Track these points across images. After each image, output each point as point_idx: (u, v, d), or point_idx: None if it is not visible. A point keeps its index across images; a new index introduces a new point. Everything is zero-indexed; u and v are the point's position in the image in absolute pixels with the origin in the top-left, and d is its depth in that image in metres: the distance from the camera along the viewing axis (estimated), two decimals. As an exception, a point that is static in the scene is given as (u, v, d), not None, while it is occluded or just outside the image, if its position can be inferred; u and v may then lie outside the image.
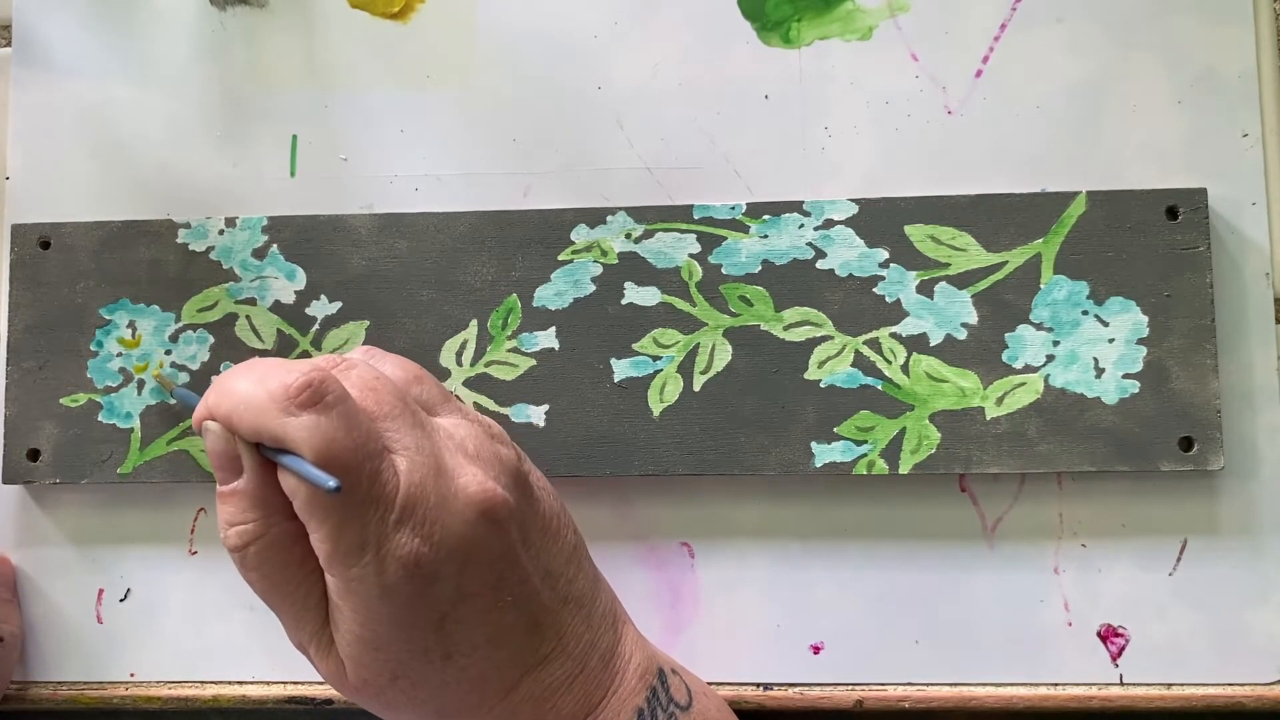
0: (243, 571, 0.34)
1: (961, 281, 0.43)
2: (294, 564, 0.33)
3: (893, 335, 0.43)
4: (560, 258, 0.45)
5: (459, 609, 0.33)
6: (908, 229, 0.44)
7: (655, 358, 0.44)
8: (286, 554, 0.33)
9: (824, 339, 0.44)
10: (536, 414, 0.44)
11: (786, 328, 0.44)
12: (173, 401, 0.45)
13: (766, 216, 0.44)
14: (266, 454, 0.33)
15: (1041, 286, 0.43)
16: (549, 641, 0.35)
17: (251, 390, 0.32)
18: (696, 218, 0.44)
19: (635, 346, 0.44)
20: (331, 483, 0.31)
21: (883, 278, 0.44)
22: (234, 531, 0.33)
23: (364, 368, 0.35)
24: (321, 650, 0.34)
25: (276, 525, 0.33)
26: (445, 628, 0.33)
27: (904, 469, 0.43)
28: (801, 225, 0.44)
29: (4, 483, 0.46)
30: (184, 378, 0.45)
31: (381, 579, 0.32)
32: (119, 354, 0.46)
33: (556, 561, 0.35)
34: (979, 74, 0.45)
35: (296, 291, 0.45)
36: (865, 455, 0.43)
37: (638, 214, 0.45)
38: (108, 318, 0.46)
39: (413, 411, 0.34)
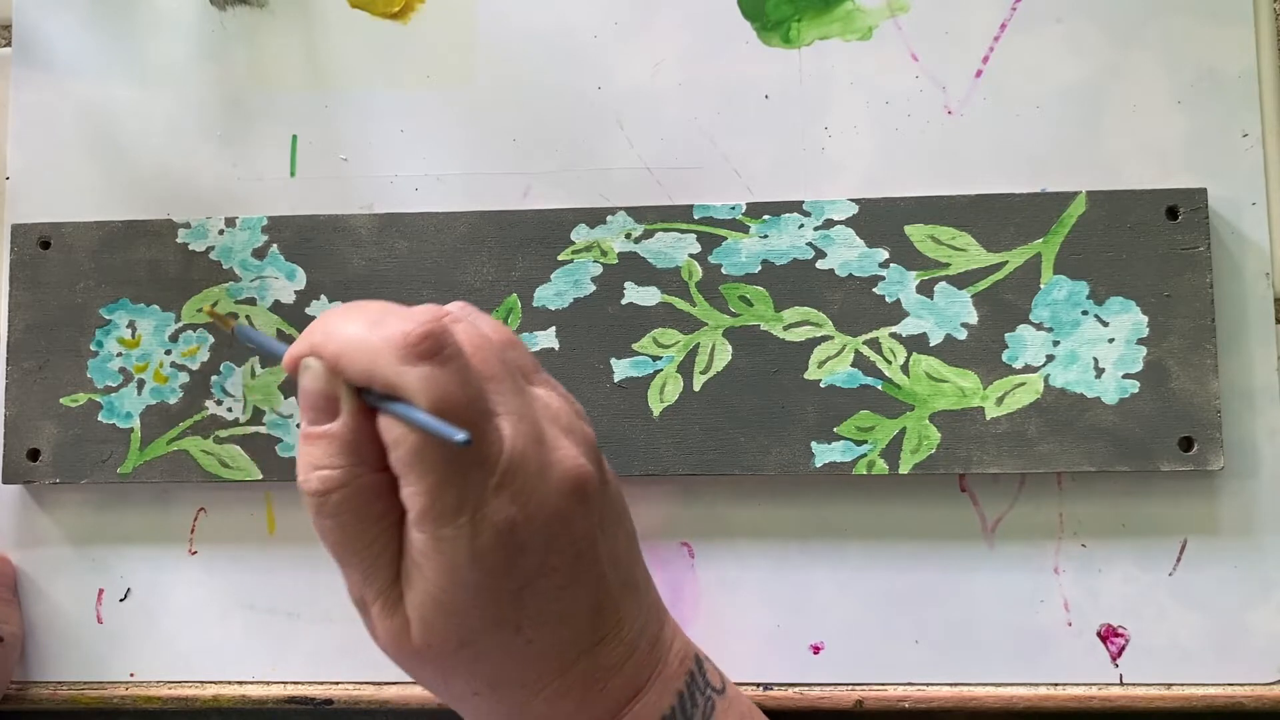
0: (318, 519, 0.32)
1: (961, 281, 0.43)
2: (373, 517, 0.32)
3: (893, 335, 0.43)
4: (560, 258, 0.45)
5: (537, 583, 0.32)
6: (908, 229, 0.44)
7: (655, 358, 0.44)
8: (368, 506, 0.32)
9: (824, 339, 0.44)
10: (536, 414, 0.44)
11: (786, 328, 0.44)
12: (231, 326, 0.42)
13: (766, 216, 0.44)
14: (370, 401, 0.31)
15: (1041, 286, 0.43)
16: (608, 623, 0.35)
17: (365, 334, 0.31)
18: (696, 218, 0.44)
19: (635, 346, 0.44)
20: (460, 435, 0.29)
21: (883, 278, 0.44)
22: (318, 476, 0.32)
23: (468, 325, 0.34)
24: (387, 608, 0.33)
25: (364, 475, 0.32)
26: (522, 600, 0.32)
27: (904, 469, 0.43)
28: (801, 225, 0.44)
29: (4, 483, 0.46)
30: (183, 378, 0.45)
31: (474, 543, 0.31)
32: (119, 354, 0.46)
33: (620, 546, 0.35)
34: (979, 74, 0.45)
35: (296, 291, 0.45)
36: (865, 455, 0.43)
37: (638, 214, 0.45)
38: (108, 318, 0.46)
39: (513, 376, 0.33)
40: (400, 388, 0.31)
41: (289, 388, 0.45)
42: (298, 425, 0.45)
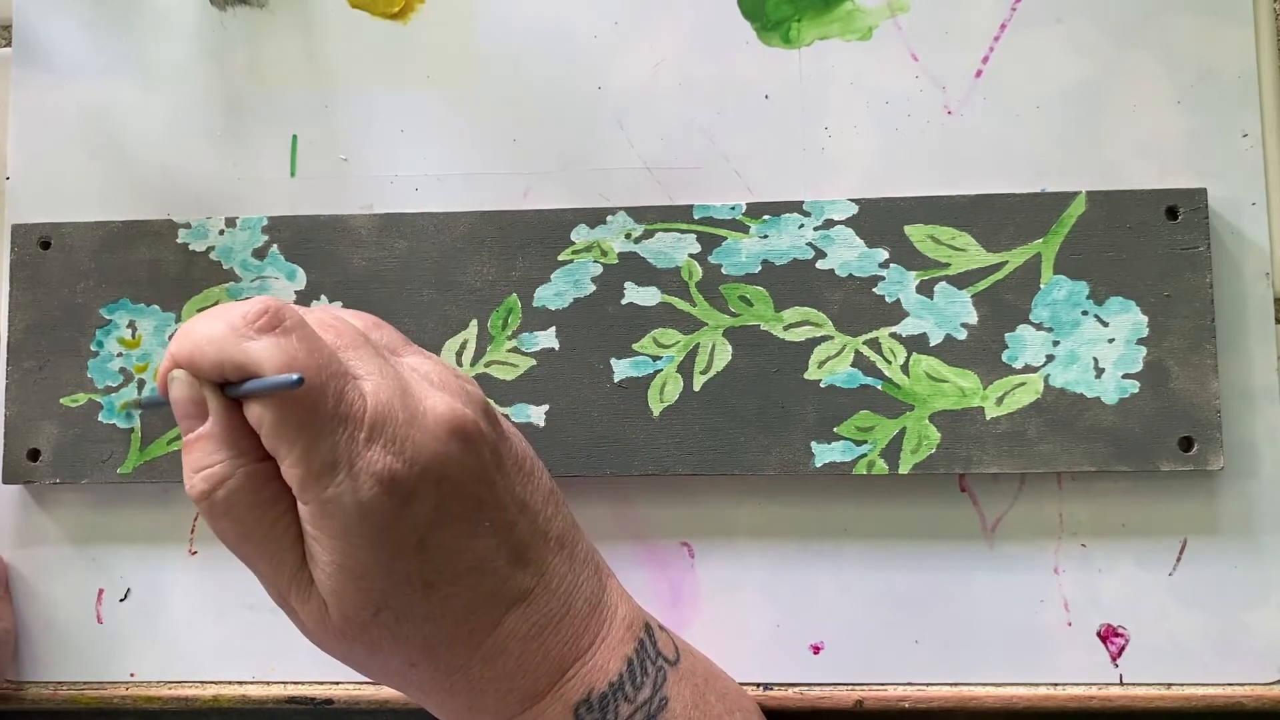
0: (212, 521, 0.33)
1: (961, 281, 0.43)
2: (265, 504, 0.33)
3: (893, 335, 0.43)
4: (560, 258, 0.45)
5: (438, 533, 0.33)
6: (908, 229, 0.44)
7: (655, 358, 0.44)
8: (256, 494, 0.33)
9: (824, 339, 0.44)
10: (536, 414, 0.44)
11: (786, 328, 0.44)
12: (137, 412, 0.45)
13: (766, 216, 0.44)
14: (231, 394, 0.33)
15: (1041, 286, 0.43)
16: (531, 575, 0.35)
17: (210, 325, 0.33)
18: (696, 218, 0.44)
19: (635, 346, 0.44)
20: (294, 376, 0.30)
21: (883, 278, 0.44)
22: (200, 476, 0.33)
23: (322, 310, 0.35)
24: (302, 592, 0.33)
25: (245, 465, 0.33)
26: (426, 553, 0.33)
27: (904, 469, 0.43)
28: (801, 225, 0.44)
29: (4, 483, 0.46)
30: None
31: (357, 497, 0.31)
32: (119, 354, 0.46)
33: (534, 498, 0.35)
34: (979, 74, 0.45)
35: (297, 291, 0.45)
36: (865, 455, 0.43)
37: (638, 214, 0.45)
38: (108, 318, 0.46)
39: (374, 346, 0.34)
40: (249, 363, 0.32)
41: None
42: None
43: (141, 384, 0.46)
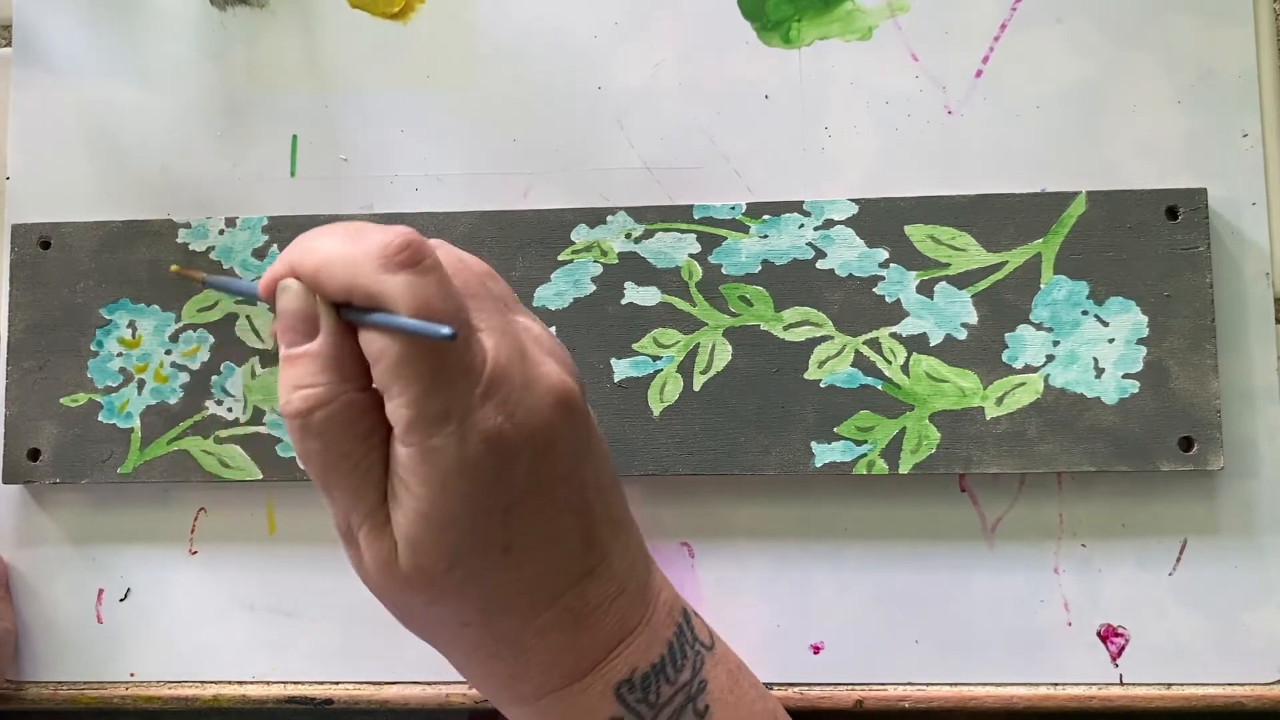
0: (302, 441, 0.32)
1: (961, 281, 0.43)
2: (358, 436, 0.32)
3: (893, 335, 0.43)
4: (560, 258, 0.45)
5: (526, 500, 0.32)
6: (908, 229, 0.44)
7: (655, 358, 0.44)
8: (352, 425, 0.32)
9: (824, 339, 0.44)
10: (536, 414, 0.44)
11: (786, 328, 0.44)
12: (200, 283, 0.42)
13: (766, 216, 0.44)
14: (350, 316, 0.31)
15: (1041, 286, 0.43)
16: (595, 554, 0.35)
17: (344, 247, 0.31)
18: (696, 218, 0.44)
19: (635, 346, 0.44)
20: (445, 330, 0.29)
21: (883, 278, 0.44)
22: (300, 395, 0.31)
23: (447, 247, 0.34)
24: (374, 530, 0.32)
25: (347, 393, 0.32)
26: (510, 518, 0.32)
27: (904, 469, 0.43)
28: (801, 225, 0.44)
29: (4, 483, 0.46)
30: (183, 378, 0.45)
31: (463, 451, 0.31)
32: (119, 354, 0.46)
33: (605, 479, 0.35)
34: (979, 74, 0.45)
35: (296, 291, 0.45)
36: (865, 455, 0.43)
37: (638, 214, 0.45)
38: (108, 317, 0.46)
39: (494, 298, 0.33)
40: (382, 296, 0.31)
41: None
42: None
43: (141, 384, 0.46)
